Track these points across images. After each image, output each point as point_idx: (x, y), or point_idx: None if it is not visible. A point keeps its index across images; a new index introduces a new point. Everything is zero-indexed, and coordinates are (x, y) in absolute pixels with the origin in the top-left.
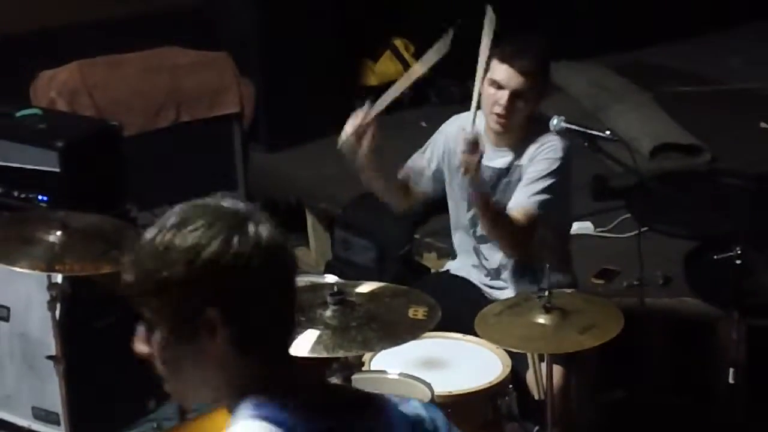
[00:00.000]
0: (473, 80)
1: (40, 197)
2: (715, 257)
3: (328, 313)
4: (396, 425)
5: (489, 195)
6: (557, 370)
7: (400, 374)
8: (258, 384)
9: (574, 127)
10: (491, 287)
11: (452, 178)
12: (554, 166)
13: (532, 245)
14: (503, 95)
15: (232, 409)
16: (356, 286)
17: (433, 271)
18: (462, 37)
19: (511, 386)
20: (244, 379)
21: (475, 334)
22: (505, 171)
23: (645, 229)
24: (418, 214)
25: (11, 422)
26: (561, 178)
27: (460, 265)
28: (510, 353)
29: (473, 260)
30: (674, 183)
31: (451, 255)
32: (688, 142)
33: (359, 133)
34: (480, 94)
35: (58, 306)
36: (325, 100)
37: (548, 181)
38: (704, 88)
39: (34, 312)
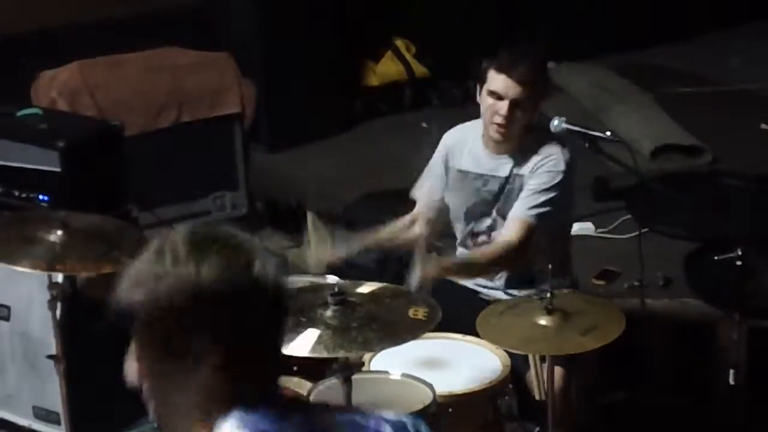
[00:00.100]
0: (473, 82)
1: (41, 197)
2: (716, 258)
3: (329, 313)
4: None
5: (467, 268)
6: (558, 370)
7: (402, 375)
8: (245, 402)
9: (574, 128)
10: (487, 288)
11: (448, 194)
12: (556, 180)
13: (528, 254)
14: (503, 105)
15: (216, 425)
16: (357, 286)
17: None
18: (463, 38)
19: (511, 386)
20: (233, 402)
21: (475, 335)
22: (506, 178)
23: (645, 230)
24: None
25: (12, 421)
26: (562, 191)
27: None
28: (510, 354)
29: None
30: (675, 184)
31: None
32: (688, 143)
33: None
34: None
35: (59, 305)
36: (325, 101)
37: (549, 195)
38: (705, 89)
39: (35, 311)
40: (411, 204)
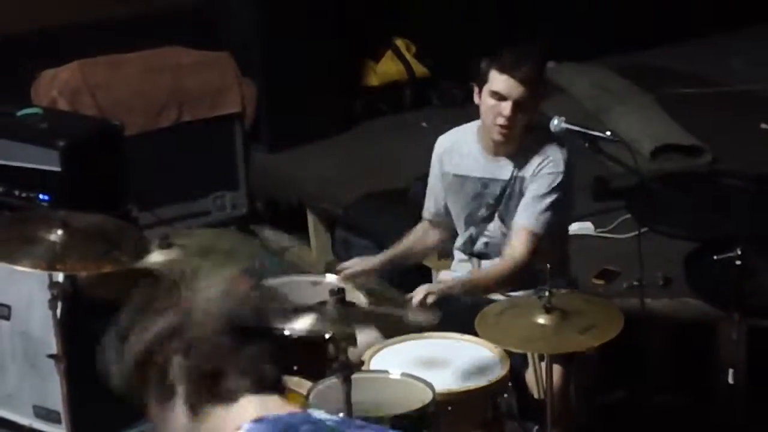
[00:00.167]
0: (473, 82)
1: (41, 196)
2: (716, 258)
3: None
4: None
5: (472, 287)
6: (557, 369)
7: (402, 374)
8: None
9: (574, 127)
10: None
11: (449, 195)
12: (556, 181)
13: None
14: (506, 106)
15: None
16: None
17: (435, 275)
18: (463, 38)
19: (510, 385)
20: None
21: (474, 334)
22: (507, 181)
23: (645, 229)
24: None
25: (13, 421)
26: (562, 193)
27: (459, 271)
28: (510, 353)
29: (469, 269)
30: (675, 184)
31: (451, 256)
32: (689, 143)
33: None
34: None
35: (59, 305)
36: (326, 101)
37: (551, 198)
38: (706, 89)
39: (36, 311)
40: (411, 204)
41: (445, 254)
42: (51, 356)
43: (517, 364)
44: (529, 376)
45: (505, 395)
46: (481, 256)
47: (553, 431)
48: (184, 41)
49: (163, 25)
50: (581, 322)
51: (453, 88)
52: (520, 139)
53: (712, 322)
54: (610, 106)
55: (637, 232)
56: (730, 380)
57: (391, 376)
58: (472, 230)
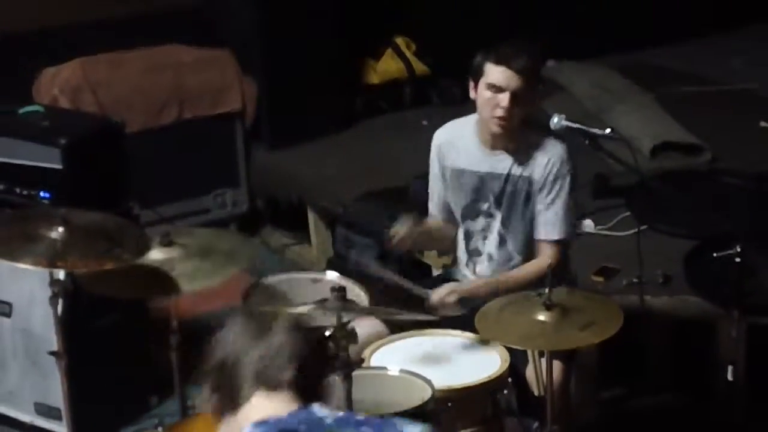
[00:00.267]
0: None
1: (42, 194)
2: (715, 256)
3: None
4: None
5: (492, 288)
6: (557, 366)
7: (401, 371)
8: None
9: (574, 125)
10: None
11: (447, 189)
12: (567, 180)
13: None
14: (504, 97)
15: None
16: None
17: (435, 273)
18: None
19: (510, 381)
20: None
21: (474, 331)
22: (507, 176)
23: (645, 227)
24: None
25: (14, 418)
26: (575, 185)
27: (457, 270)
28: (509, 349)
29: (467, 268)
30: (674, 182)
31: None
32: (688, 141)
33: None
34: None
35: (60, 302)
36: (326, 99)
37: (569, 199)
38: (705, 88)
39: (37, 308)
40: (411, 203)
41: (445, 252)
42: (52, 353)
43: (516, 360)
44: (529, 372)
45: (505, 392)
46: (474, 252)
47: (553, 428)
48: (185, 41)
49: (163, 24)
50: (581, 319)
51: (453, 87)
52: (519, 134)
53: (711, 320)
54: (610, 105)
55: (636, 230)
56: (730, 377)
57: (390, 373)
58: (469, 224)
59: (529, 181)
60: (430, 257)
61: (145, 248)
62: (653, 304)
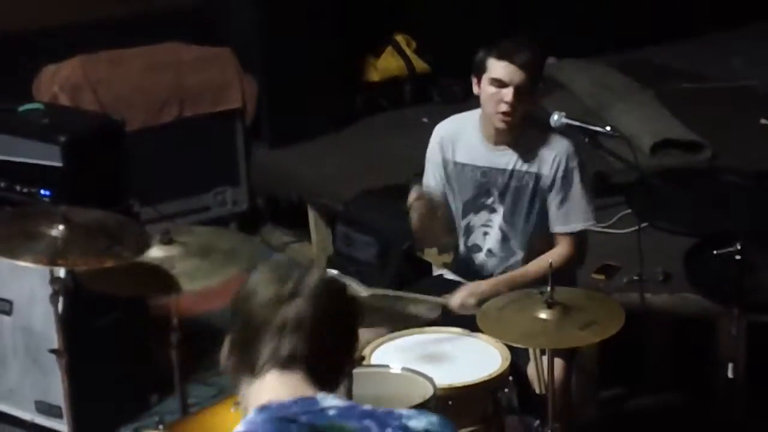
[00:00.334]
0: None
1: (42, 192)
2: (715, 253)
3: None
4: None
5: (511, 285)
6: (558, 364)
7: (403, 369)
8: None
9: (574, 122)
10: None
11: (449, 183)
12: (576, 172)
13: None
14: (507, 92)
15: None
16: None
17: (435, 272)
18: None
19: (511, 379)
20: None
21: (476, 329)
22: (511, 172)
23: (645, 225)
24: None
25: (14, 416)
26: (584, 177)
27: (456, 269)
28: (511, 348)
29: (466, 266)
30: (675, 180)
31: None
32: (688, 139)
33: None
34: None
35: (61, 300)
36: (326, 97)
37: (581, 191)
38: (705, 85)
39: (37, 306)
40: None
41: (446, 249)
42: (52, 351)
43: (518, 359)
44: (531, 371)
45: (506, 390)
46: (474, 248)
47: (554, 426)
48: (185, 39)
49: (163, 24)
50: (582, 317)
51: (453, 84)
52: (521, 129)
53: (711, 317)
54: (610, 103)
55: (637, 228)
56: (730, 375)
57: (391, 371)
58: (471, 218)
59: (536, 176)
60: (431, 255)
61: (146, 246)
62: (653, 302)
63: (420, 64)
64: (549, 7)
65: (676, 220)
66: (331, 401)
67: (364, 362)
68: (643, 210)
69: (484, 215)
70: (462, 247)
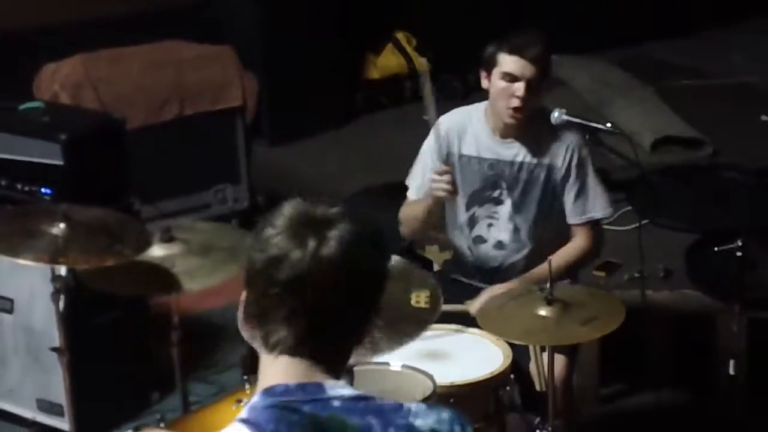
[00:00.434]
0: (474, 75)
1: (43, 190)
2: (716, 250)
3: None
4: None
5: (532, 283)
6: (559, 361)
7: (403, 366)
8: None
9: (575, 119)
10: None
11: (453, 174)
12: (589, 161)
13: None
14: (519, 87)
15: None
16: None
17: (436, 268)
18: (464, 31)
19: (512, 377)
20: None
21: (477, 327)
22: (521, 164)
23: (646, 221)
24: None
25: (16, 414)
26: (596, 169)
27: (455, 265)
28: (512, 346)
29: (468, 260)
30: (675, 176)
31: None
32: (689, 135)
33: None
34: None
35: (62, 298)
36: (327, 94)
37: (595, 180)
38: (705, 82)
39: (38, 304)
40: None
41: (447, 246)
42: (54, 349)
43: (519, 356)
44: (532, 368)
45: (507, 388)
46: (478, 239)
47: (555, 423)
48: (186, 37)
49: (163, 22)
50: (583, 313)
51: (454, 81)
52: (529, 122)
53: (712, 314)
54: (610, 99)
55: (637, 224)
56: (731, 371)
57: (392, 368)
58: (475, 210)
59: (549, 168)
60: (432, 252)
61: (146, 244)
62: (654, 299)
63: (420, 62)
64: (549, 4)
65: (677, 216)
66: (338, 390)
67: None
68: (643, 207)
69: (489, 207)
70: (467, 239)
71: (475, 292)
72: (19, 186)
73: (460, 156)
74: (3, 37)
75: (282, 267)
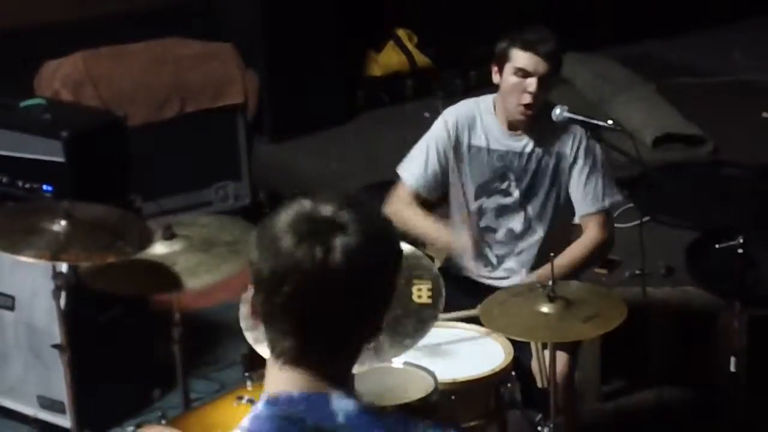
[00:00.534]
0: (475, 72)
1: (44, 187)
2: (717, 247)
3: None
4: None
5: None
6: (561, 358)
7: (405, 363)
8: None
9: (576, 116)
10: (491, 278)
11: (460, 166)
12: (597, 149)
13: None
14: (532, 82)
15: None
16: None
17: (438, 264)
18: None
19: (514, 374)
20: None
21: (478, 324)
22: (530, 155)
23: (647, 219)
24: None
25: (17, 411)
26: (605, 159)
27: (457, 261)
28: (514, 343)
29: (473, 255)
30: (677, 173)
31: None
32: (690, 132)
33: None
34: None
35: (63, 295)
36: (328, 92)
37: (605, 166)
38: (707, 79)
39: (40, 301)
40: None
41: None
42: (55, 346)
43: (521, 353)
44: (533, 365)
45: (509, 385)
46: (487, 229)
47: (557, 420)
48: (187, 34)
49: (164, 19)
50: (584, 311)
51: (455, 78)
52: (537, 114)
53: (713, 311)
54: (612, 96)
55: (639, 222)
56: (732, 368)
57: (393, 365)
58: (483, 201)
59: (557, 156)
60: (433, 250)
61: (148, 241)
62: (655, 296)
63: (421, 59)
64: (550, 1)
65: (678, 214)
66: (343, 403)
67: None
68: (645, 204)
69: (497, 199)
70: (475, 229)
71: (475, 288)
72: (20, 183)
73: (470, 147)
74: (4, 35)
75: (288, 279)
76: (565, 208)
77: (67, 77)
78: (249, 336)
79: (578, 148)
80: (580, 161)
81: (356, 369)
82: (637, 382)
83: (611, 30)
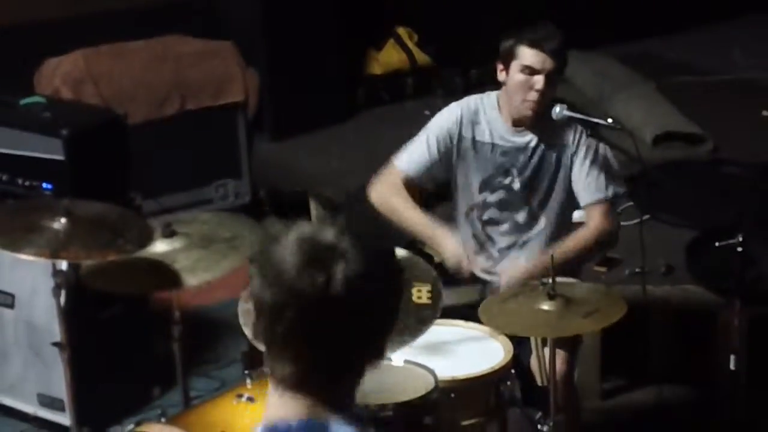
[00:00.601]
0: (476, 71)
1: (44, 185)
2: (717, 245)
3: None
4: None
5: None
6: (561, 356)
7: (405, 361)
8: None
9: (576, 114)
10: (492, 273)
11: (460, 158)
12: (600, 145)
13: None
14: (539, 80)
15: None
16: None
17: (437, 260)
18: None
19: (513, 372)
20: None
21: (478, 322)
22: (533, 150)
23: (647, 217)
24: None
25: (17, 409)
26: (609, 153)
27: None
28: (514, 341)
29: (474, 248)
30: (676, 172)
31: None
32: (690, 131)
33: None
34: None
35: (63, 293)
36: (328, 90)
37: (606, 156)
38: (707, 77)
39: (40, 299)
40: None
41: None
42: (55, 344)
43: (520, 351)
44: (533, 363)
45: (508, 383)
46: (490, 221)
47: (557, 418)
48: (187, 33)
49: (165, 17)
50: (584, 308)
51: (455, 77)
52: (542, 112)
53: (713, 309)
54: (611, 95)
55: (639, 220)
56: (732, 367)
57: (393, 363)
58: (487, 195)
59: (560, 147)
60: (433, 249)
61: (148, 239)
62: (655, 294)
63: (422, 57)
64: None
65: (678, 212)
66: (342, 430)
67: None
68: (644, 202)
69: (500, 194)
70: (477, 222)
71: (476, 283)
72: (20, 181)
73: (474, 141)
74: (4, 32)
75: (290, 307)
76: (569, 201)
77: (67, 75)
78: (249, 333)
79: (580, 140)
80: (582, 152)
81: None
82: (637, 380)
83: (611, 28)
